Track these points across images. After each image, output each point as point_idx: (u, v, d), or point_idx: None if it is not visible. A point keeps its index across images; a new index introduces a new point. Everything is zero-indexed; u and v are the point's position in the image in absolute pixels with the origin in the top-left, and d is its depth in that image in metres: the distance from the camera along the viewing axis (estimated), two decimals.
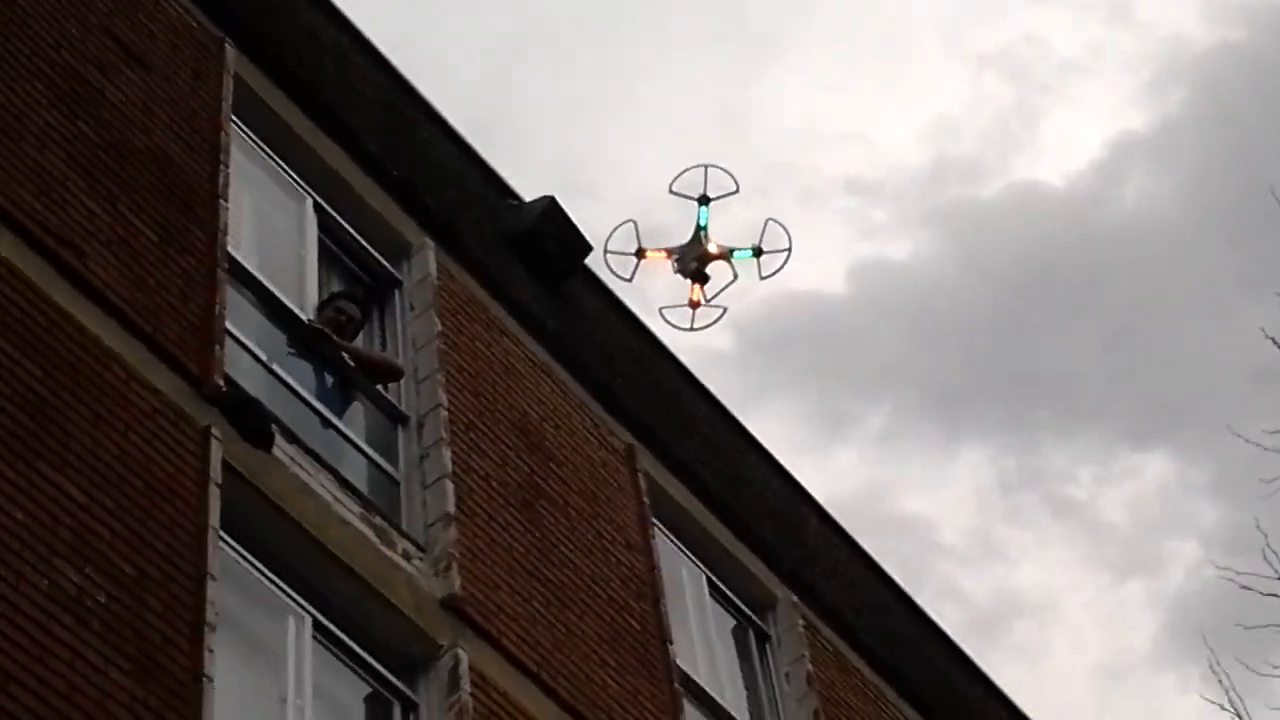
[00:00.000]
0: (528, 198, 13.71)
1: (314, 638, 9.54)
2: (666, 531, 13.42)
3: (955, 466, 39.78)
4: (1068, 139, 44.03)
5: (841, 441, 38.45)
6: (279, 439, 9.88)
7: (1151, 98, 41.98)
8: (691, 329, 10.78)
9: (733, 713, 12.92)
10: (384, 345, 11.92)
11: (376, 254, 12.23)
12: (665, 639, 12.13)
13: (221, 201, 10.58)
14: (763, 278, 10.67)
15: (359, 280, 12.14)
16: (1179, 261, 38.87)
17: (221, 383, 9.65)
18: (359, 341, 11.48)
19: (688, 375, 14.74)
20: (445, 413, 11.38)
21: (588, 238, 13.80)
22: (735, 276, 10.70)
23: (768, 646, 13.95)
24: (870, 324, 39.51)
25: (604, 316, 14.14)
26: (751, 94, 42.28)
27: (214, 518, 9.01)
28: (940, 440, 40.56)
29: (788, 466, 15.21)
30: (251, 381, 10.21)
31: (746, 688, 13.54)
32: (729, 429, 14.87)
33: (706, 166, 10.58)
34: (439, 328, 11.91)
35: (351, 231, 12.11)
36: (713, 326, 10.70)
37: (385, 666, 9.95)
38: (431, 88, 13.43)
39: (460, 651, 10.14)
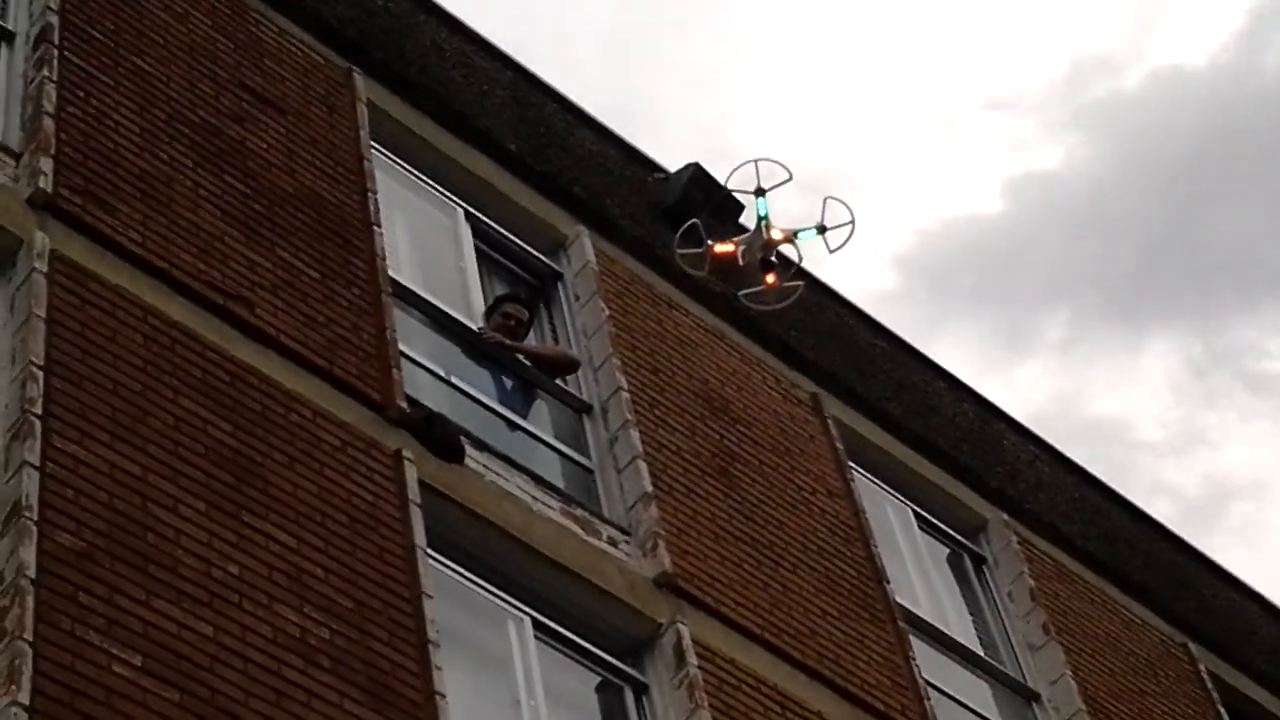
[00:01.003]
0: (671, 169, 13.75)
1: (536, 637, 9.70)
2: (865, 473, 13.42)
3: (1143, 361, 39.27)
4: (1201, 14, 43.06)
5: (1023, 357, 38.09)
6: (469, 449, 10.03)
7: None
8: (773, 306, 10.88)
9: (961, 640, 12.92)
10: (556, 339, 12.04)
11: (533, 251, 12.35)
12: (882, 579, 12.16)
13: (375, 228, 10.75)
14: (831, 252, 10.79)
15: (521, 280, 12.27)
16: None
17: (404, 404, 9.82)
18: (531, 340, 11.62)
19: (861, 314, 14.71)
20: (627, 395, 11.48)
21: (738, 197, 13.79)
22: (801, 258, 10.81)
23: (985, 569, 13.92)
24: (1033, 237, 39.10)
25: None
26: (869, 29, 41.85)
27: (420, 537, 9.19)
28: (1123, 338, 40.05)
29: (974, 386, 15.12)
30: (433, 398, 10.37)
31: (971, 613, 13.52)
32: (910, 360, 14.83)
33: (757, 161, 10.71)
34: (606, 312, 12.01)
35: (505, 233, 12.25)
36: (792, 301, 10.86)
37: (610, 654, 10.08)
38: (558, 79, 13.52)
39: (681, 626, 10.24)
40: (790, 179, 10.81)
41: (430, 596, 8.93)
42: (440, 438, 9.87)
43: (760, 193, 10.91)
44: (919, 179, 41.41)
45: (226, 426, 8.82)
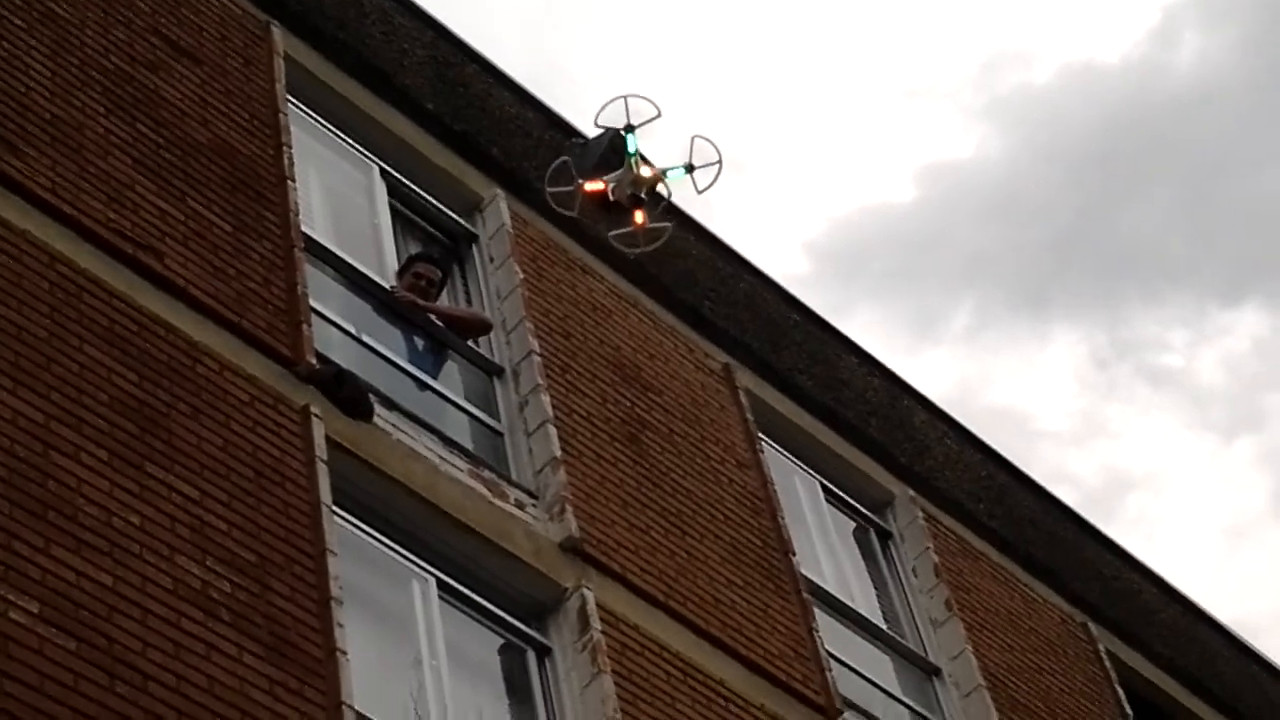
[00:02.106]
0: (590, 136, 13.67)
1: (440, 598, 9.67)
2: (774, 444, 13.45)
3: (1047, 351, 39.61)
4: (1116, 11, 43.42)
5: (930, 344, 38.35)
6: (378, 408, 9.98)
7: None
8: (641, 249, 11.05)
9: (864, 614, 12.98)
10: (469, 301, 11.99)
11: (449, 211, 12.29)
12: (787, 550, 12.19)
13: (289, 182, 10.66)
14: (699, 192, 11.00)
15: (435, 240, 12.21)
16: (1246, 115, 38.43)
17: (314, 361, 9.76)
18: (443, 300, 11.56)
19: (774, 286, 14.72)
20: (538, 359, 11.45)
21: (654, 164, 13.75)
22: (669, 195, 10.98)
23: (890, 544, 13.99)
24: (944, 225, 39.35)
25: (683, 239, 14.11)
26: (787, 11, 41.93)
27: (325, 494, 9.13)
28: (1028, 327, 40.40)
29: (892, 354, 15.18)
30: (343, 355, 10.31)
31: (875, 587, 13.59)
32: (823, 333, 14.86)
33: (626, 97, 10.84)
34: (520, 275, 11.97)
35: (421, 193, 12.18)
36: (662, 242, 11.03)
37: (514, 616, 10.07)
38: (479, 40, 13.44)
39: (586, 591, 10.24)
40: (659, 115, 10.92)
41: (334, 553, 8.87)
42: (349, 395, 9.81)
43: (629, 129, 11.03)
44: (832, 165, 41.61)
45: (132, 376, 8.73)
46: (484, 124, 12.79)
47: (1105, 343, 39.81)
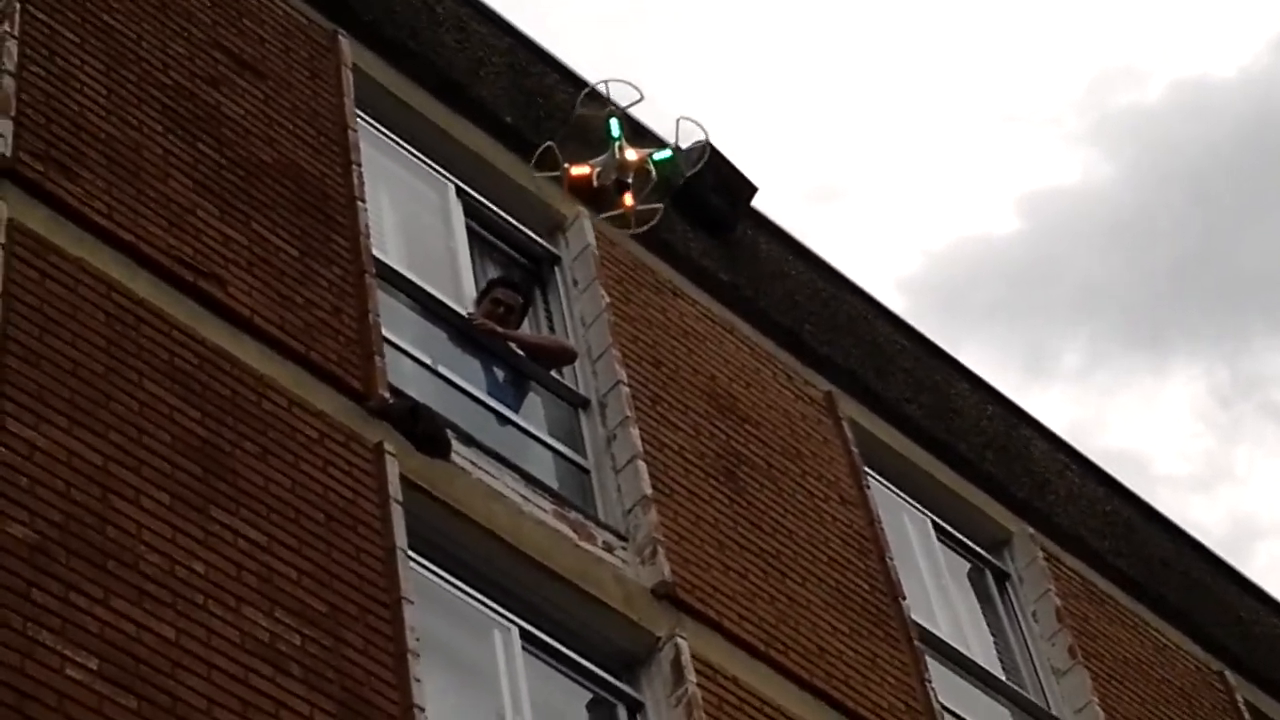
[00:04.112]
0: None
1: (524, 649, 9.69)
2: (881, 479, 13.41)
3: (1165, 388, 39.28)
4: (1229, 23, 43.06)
5: (1040, 384, 38.07)
6: (456, 444, 10.02)
7: None
8: (634, 230, 11.37)
9: (981, 663, 12.91)
10: (551, 328, 12.02)
11: (529, 232, 12.33)
12: (897, 595, 12.15)
13: (359, 203, 10.73)
14: (686, 176, 11.27)
15: (515, 263, 12.25)
16: None
17: (387, 394, 9.80)
18: (525, 328, 11.59)
19: (880, 308, 14.69)
20: (627, 389, 11.46)
21: (750, 178, 13.76)
22: (654, 177, 11.28)
23: (1008, 585, 13.91)
24: (1051, 257, 39.10)
25: (781, 259, 14.12)
26: (881, 30, 41.84)
27: (400, 538, 9.17)
28: (1145, 363, 40.07)
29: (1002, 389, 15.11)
30: (419, 388, 10.35)
31: (992, 633, 13.52)
32: (933, 358, 14.80)
33: (608, 81, 11.17)
34: (607, 300, 11.98)
35: (500, 212, 12.23)
36: (654, 224, 11.39)
37: (603, 668, 10.07)
38: (561, 46, 13.48)
39: (680, 641, 10.23)
40: (641, 99, 11.30)
41: (410, 602, 8.90)
42: (425, 431, 9.85)
43: (612, 114, 11.33)
44: (926, 195, 41.43)
45: (194, 414, 8.79)
46: (567, 137, 12.81)
47: (1228, 378, 39.46)
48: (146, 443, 8.46)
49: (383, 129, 11.82)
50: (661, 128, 12.27)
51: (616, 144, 11.38)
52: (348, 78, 11.51)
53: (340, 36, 11.71)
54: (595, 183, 11.45)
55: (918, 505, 13.69)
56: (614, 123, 11.40)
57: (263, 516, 8.67)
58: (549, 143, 11.63)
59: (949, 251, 39.83)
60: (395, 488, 9.38)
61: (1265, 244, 38.44)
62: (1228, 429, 39.05)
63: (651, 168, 11.49)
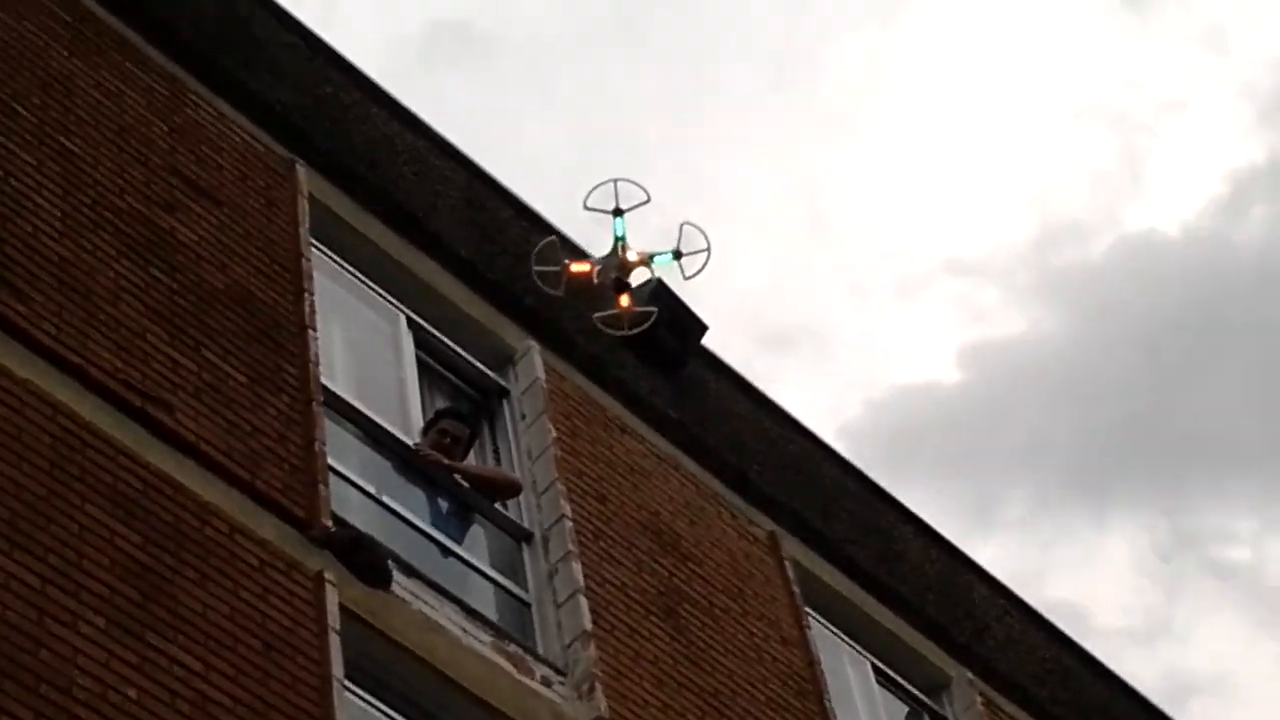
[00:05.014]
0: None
1: None
2: (822, 620, 13.39)
3: (1107, 542, 39.33)
4: (1178, 182, 43.56)
5: (981, 536, 38.09)
6: (397, 575, 9.98)
7: (1264, 125, 41.56)
8: (627, 331, 11.51)
9: None
10: (498, 460, 12.01)
11: (479, 364, 12.36)
12: None
13: (310, 332, 10.74)
14: (686, 278, 11.56)
15: (464, 395, 12.26)
16: None
17: (330, 523, 9.77)
18: (471, 460, 11.59)
19: (826, 450, 14.73)
20: (570, 524, 11.45)
21: (701, 318, 13.82)
22: (653, 279, 11.44)
23: None
24: (993, 408, 39.20)
25: (728, 398, 14.17)
26: (833, 180, 42.19)
27: (337, 668, 9.11)
28: (1088, 517, 40.11)
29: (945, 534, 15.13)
30: (362, 517, 10.32)
31: None
32: (877, 501, 14.83)
33: (616, 181, 11.35)
34: (554, 434, 11.99)
35: (450, 344, 12.26)
36: (646, 327, 11.56)
37: None
38: (517, 183, 13.57)
39: None
40: (648, 200, 11.46)
41: None
42: (366, 561, 9.81)
43: (618, 213, 11.45)
44: (875, 345, 41.59)
45: (135, 538, 8.75)
46: (520, 272, 12.87)
47: (1169, 534, 39.56)
48: (86, 566, 8.41)
49: (337, 258, 11.86)
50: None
51: (620, 243, 11.51)
52: (303, 206, 11.55)
53: (298, 165, 11.77)
54: (595, 280, 11.60)
55: (858, 647, 13.66)
56: (618, 222, 11.53)
57: (200, 643, 8.61)
58: (550, 237, 11.78)
59: (895, 400, 39.93)
60: (334, 617, 9.33)
61: (1208, 403, 38.68)
62: (1168, 584, 39.10)
63: (651, 269, 11.67)
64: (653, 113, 40.30)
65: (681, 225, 11.57)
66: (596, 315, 11.73)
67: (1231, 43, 41.92)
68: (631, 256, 11.55)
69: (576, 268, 11.59)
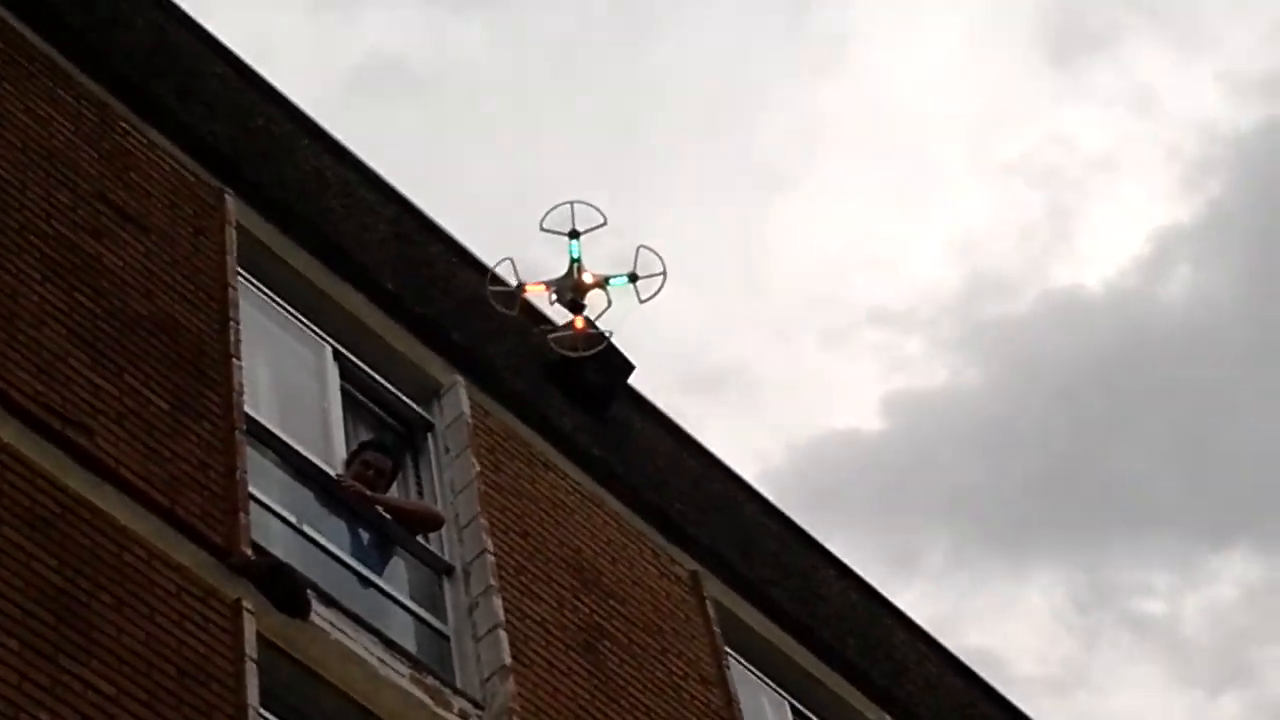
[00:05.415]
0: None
1: None
2: (742, 660, 13.40)
3: (1025, 592, 39.54)
4: (1104, 240, 43.99)
5: (900, 584, 38.24)
6: (315, 604, 9.93)
7: (1189, 187, 42.02)
8: (579, 353, 11.61)
9: None
10: (421, 493, 11.99)
11: (404, 397, 12.34)
12: None
13: (234, 360, 10.71)
14: (641, 302, 11.67)
15: (388, 427, 12.24)
16: (1240, 353, 38.78)
17: (249, 551, 9.73)
18: (393, 492, 11.56)
19: (749, 491, 14.76)
20: (492, 558, 11.43)
21: (628, 357, 13.84)
22: (610, 303, 11.62)
23: None
24: (914, 457, 39.39)
25: (653, 437, 14.19)
26: (764, 229, 42.38)
27: (253, 696, 9.06)
28: (1007, 567, 40.33)
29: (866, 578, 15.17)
30: (282, 546, 10.29)
31: None
32: (799, 543, 14.87)
33: (573, 202, 11.49)
34: (477, 468, 11.98)
35: (376, 376, 12.24)
36: (600, 349, 11.65)
37: None
38: (446, 217, 13.58)
39: None
40: (605, 224, 11.61)
41: None
42: (285, 590, 9.77)
43: (574, 235, 11.56)
44: (794, 390, 41.74)
45: (51, 561, 8.69)
46: (446, 306, 12.88)
47: (1087, 586, 39.79)
48: (0, 589, 8.34)
49: (263, 288, 11.83)
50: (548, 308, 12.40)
51: (576, 265, 11.59)
52: (231, 235, 11.53)
53: (227, 195, 11.75)
54: (551, 301, 11.70)
55: (777, 688, 13.68)
56: (574, 244, 11.62)
57: (114, 669, 8.55)
58: (506, 258, 11.90)
59: (818, 446, 40.07)
60: (251, 645, 9.28)
61: (1128, 457, 38.98)
62: (1085, 636, 39.30)
63: (607, 292, 11.76)
64: (587, 157, 40.44)
65: (638, 249, 11.72)
66: (551, 335, 11.80)
67: (1160, 105, 42.44)
68: (587, 279, 11.64)
69: (532, 288, 11.67)
